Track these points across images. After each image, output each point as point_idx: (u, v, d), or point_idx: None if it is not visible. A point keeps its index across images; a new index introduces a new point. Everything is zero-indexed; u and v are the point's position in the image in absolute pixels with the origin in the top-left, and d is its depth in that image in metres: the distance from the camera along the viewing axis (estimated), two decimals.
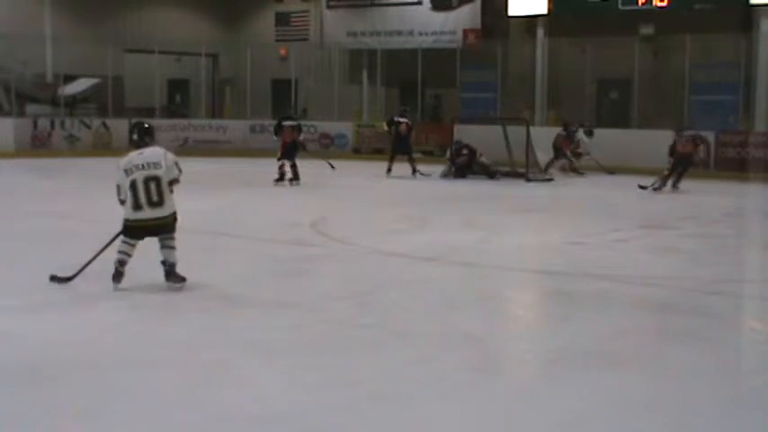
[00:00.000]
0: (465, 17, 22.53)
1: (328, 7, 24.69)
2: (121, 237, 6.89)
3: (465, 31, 22.48)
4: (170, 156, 6.96)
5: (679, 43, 19.00)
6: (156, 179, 6.78)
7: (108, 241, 6.97)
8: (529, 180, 16.41)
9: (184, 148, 22.39)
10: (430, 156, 20.73)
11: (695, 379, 4.97)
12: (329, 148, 22.60)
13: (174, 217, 6.92)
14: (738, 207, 13.17)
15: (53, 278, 6.97)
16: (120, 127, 22.21)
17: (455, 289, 7.32)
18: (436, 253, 8.75)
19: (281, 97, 24.94)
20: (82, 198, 13.53)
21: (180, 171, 6.94)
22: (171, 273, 6.91)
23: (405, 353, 5.39)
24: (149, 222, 6.82)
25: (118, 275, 6.84)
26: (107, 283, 6.96)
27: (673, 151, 14.76)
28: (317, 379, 4.83)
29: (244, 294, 6.95)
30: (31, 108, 22.32)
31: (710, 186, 15.67)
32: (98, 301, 6.55)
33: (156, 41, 23.53)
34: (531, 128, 17.41)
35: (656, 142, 16.68)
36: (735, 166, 17.41)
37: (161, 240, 6.92)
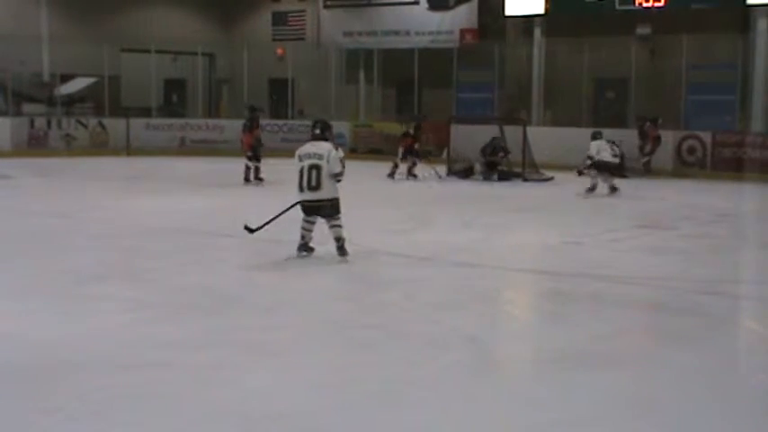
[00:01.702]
0: (462, 17, 22.50)
1: (325, 7, 24.66)
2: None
3: (462, 31, 22.46)
4: (335, 153, 8.16)
5: (676, 43, 19.00)
6: (318, 168, 8.07)
7: (288, 207, 8.40)
8: (526, 180, 16.42)
9: (182, 148, 22.47)
10: (428, 155, 20.77)
11: (691, 379, 4.98)
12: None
13: (332, 202, 8.15)
14: (735, 207, 13.19)
15: (246, 228, 8.49)
16: (116, 126, 22.25)
17: (453, 289, 7.33)
18: (434, 253, 8.75)
19: (278, 97, 24.92)
20: (79, 198, 13.51)
21: (343, 167, 8.14)
22: (341, 248, 8.20)
23: (403, 353, 5.40)
24: (308, 203, 8.17)
25: (301, 247, 8.30)
26: (105, 284, 6.97)
27: (645, 135, 17.52)
28: (316, 379, 4.84)
29: (242, 294, 6.96)
30: (27, 107, 22.28)
31: (707, 186, 15.70)
32: (97, 303, 6.55)
33: (153, 41, 23.49)
34: (528, 128, 17.43)
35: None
36: (731, 166, 17.42)
37: (328, 221, 8.20)
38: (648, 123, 17.69)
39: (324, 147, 8.20)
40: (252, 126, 15.25)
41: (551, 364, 5.28)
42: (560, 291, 7.25)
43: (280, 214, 8.49)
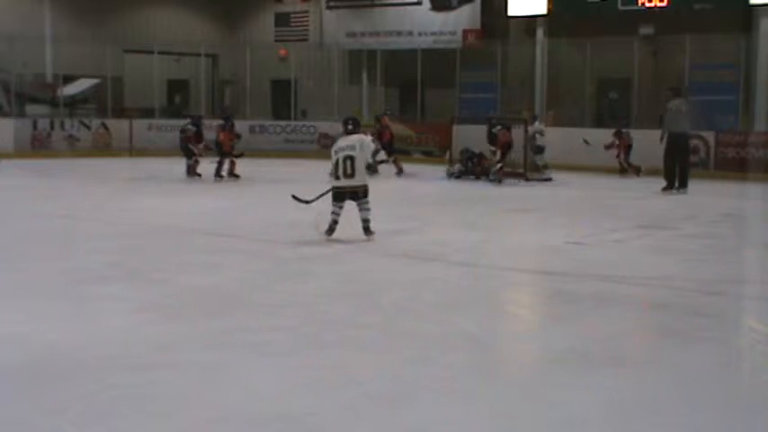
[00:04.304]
0: (465, 17, 22.52)
1: (328, 8, 24.69)
2: (331, 201, 9.24)
3: (465, 32, 22.48)
4: (367, 143, 9.42)
5: (679, 43, 19.00)
6: (351, 158, 9.15)
7: (324, 191, 9.55)
8: (528, 180, 16.40)
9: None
10: (430, 156, 20.82)
11: (694, 379, 4.98)
12: (329, 149, 22.59)
13: (364, 188, 9.23)
14: (738, 207, 13.17)
15: (294, 197, 9.90)
16: (119, 127, 22.26)
17: (455, 289, 7.33)
18: (436, 253, 8.75)
19: (281, 98, 24.95)
20: (82, 199, 13.53)
21: (374, 149, 9.65)
22: (367, 228, 9.21)
23: (404, 353, 5.39)
24: (344, 189, 9.17)
25: (330, 230, 9.16)
26: (110, 285, 6.98)
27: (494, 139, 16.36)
28: (317, 379, 4.84)
29: (244, 295, 6.96)
30: (30, 108, 22.34)
31: (710, 187, 15.68)
32: (101, 304, 6.56)
33: (156, 42, 23.55)
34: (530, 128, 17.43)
35: (657, 142, 16.77)
36: (734, 166, 17.42)
37: (359, 204, 9.23)
38: (500, 127, 16.31)
39: (353, 138, 9.30)
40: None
41: (554, 364, 5.27)
42: (562, 291, 7.24)
43: (322, 194, 9.57)
